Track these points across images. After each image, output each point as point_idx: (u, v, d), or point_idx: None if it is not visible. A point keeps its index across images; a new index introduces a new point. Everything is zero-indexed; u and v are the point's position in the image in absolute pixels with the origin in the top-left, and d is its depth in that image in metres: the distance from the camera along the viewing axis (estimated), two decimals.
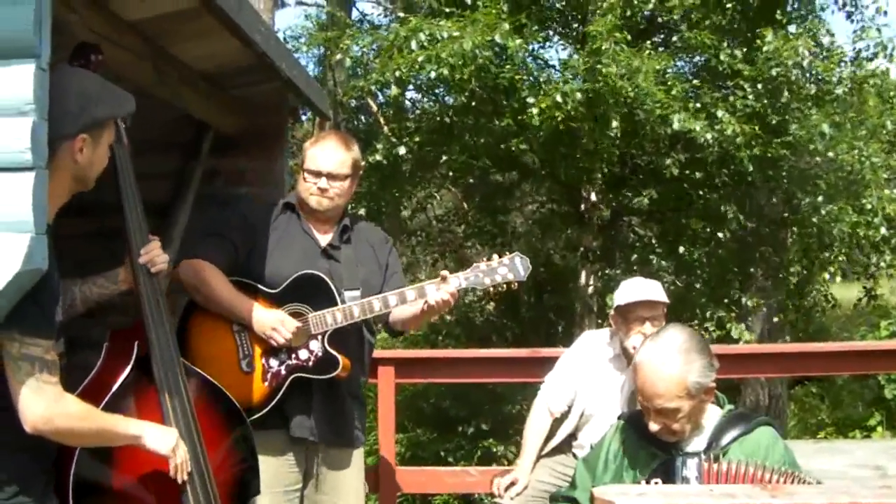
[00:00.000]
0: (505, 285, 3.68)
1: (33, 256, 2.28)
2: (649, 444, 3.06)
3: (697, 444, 3.03)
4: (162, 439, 2.82)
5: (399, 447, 6.76)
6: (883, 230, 8.96)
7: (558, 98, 7.33)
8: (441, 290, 3.57)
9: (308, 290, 3.57)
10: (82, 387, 2.78)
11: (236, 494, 3.21)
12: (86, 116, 2.58)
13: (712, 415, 3.09)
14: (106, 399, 2.80)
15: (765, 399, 12.26)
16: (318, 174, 3.65)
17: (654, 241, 9.25)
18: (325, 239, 3.73)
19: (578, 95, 7.37)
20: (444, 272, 3.64)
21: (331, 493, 3.75)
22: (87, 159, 2.59)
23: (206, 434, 3.04)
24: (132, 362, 2.94)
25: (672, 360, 2.94)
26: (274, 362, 3.54)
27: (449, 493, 8.01)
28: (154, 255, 3.03)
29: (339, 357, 3.54)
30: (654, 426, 3.00)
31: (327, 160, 3.66)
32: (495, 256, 3.68)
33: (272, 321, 3.50)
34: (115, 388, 2.85)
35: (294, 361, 3.55)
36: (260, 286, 3.57)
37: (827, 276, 9.35)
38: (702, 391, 2.96)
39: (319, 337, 3.54)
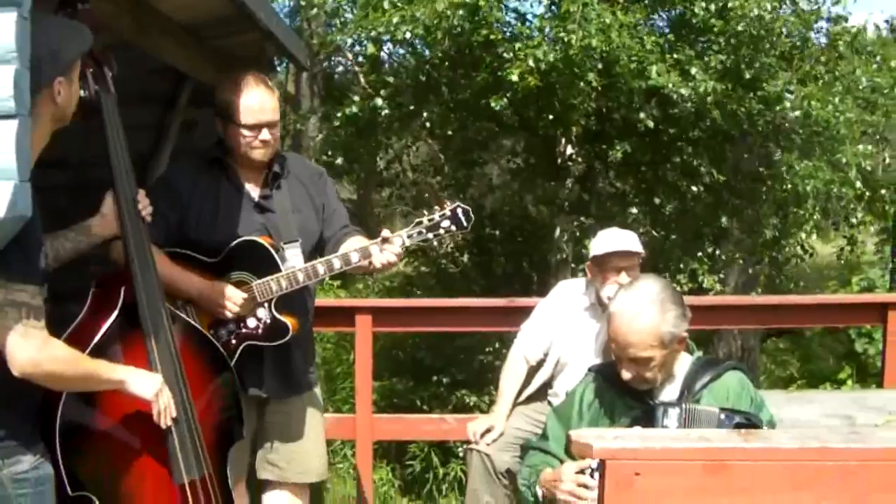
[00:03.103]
0: (449, 237, 3.77)
1: (17, 203, 2.31)
2: (624, 395, 3.16)
3: (670, 391, 3.13)
4: (146, 384, 2.88)
5: (375, 395, 6.83)
6: (858, 184, 9.06)
7: (531, 63, 7.36)
8: (385, 250, 3.57)
9: (249, 258, 3.53)
10: (68, 332, 2.81)
11: (220, 439, 3.27)
12: (60, 60, 2.63)
13: (683, 363, 3.19)
14: (92, 344, 2.86)
15: (737, 351, 12.41)
16: (258, 127, 3.53)
17: (629, 194, 9.32)
18: (256, 191, 3.67)
19: (551, 57, 7.38)
20: (386, 232, 3.62)
21: (285, 439, 3.83)
22: (65, 99, 2.64)
23: (190, 379, 3.11)
24: (118, 308, 2.97)
25: (646, 310, 3.02)
26: (223, 332, 3.52)
27: (425, 440, 8.09)
28: (145, 203, 3.09)
29: (288, 322, 3.55)
30: (626, 374, 3.09)
31: (266, 111, 3.54)
32: (436, 209, 3.70)
33: (218, 295, 3.47)
34: (100, 333, 2.90)
35: (244, 331, 3.55)
36: (198, 256, 3.53)
37: (803, 234, 9.44)
38: (674, 341, 3.05)
39: (266, 304, 3.51)
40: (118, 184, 3.03)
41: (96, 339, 2.88)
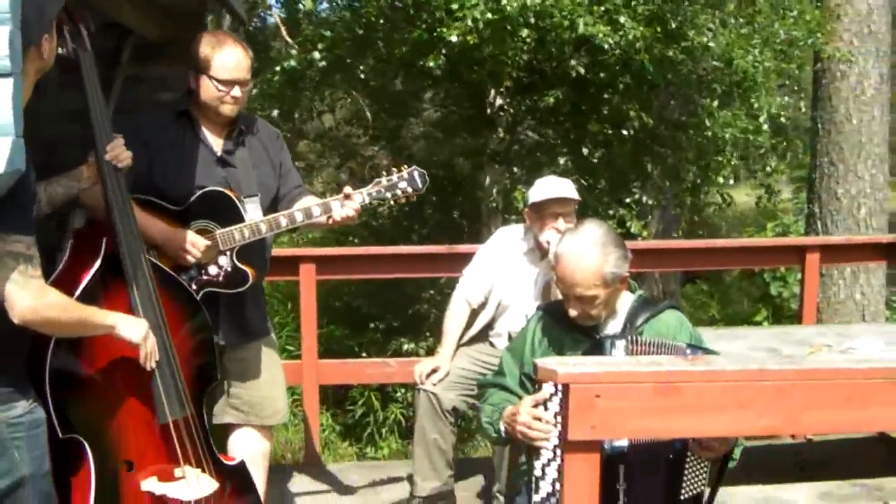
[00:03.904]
0: (405, 197, 3.90)
1: (14, 159, 2.42)
2: (572, 330, 3.31)
3: (613, 326, 3.31)
4: (134, 329, 3.01)
5: None
6: (767, 129, 9.36)
7: (469, 23, 7.47)
8: (346, 206, 3.77)
9: (213, 207, 3.66)
10: (50, 281, 2.83)
11: (199, 380, 3.41)
12: (44, 19, 2.72)
13: (625, 300, 3.36)
14: (76, 293, 2.94)
15: (659, 294, 12.70)
16: (231, 83, 3.68)
17: (557, 143, 9.48)
18: (219, 144, 3.80)
19: (489, 16, 7.50)
20: (348, 189, 3.82)
21: (246, 384, 3.98)
22: (49, 53, 2.75)
23: (169, 323, 3.22)
24: (101, 258, 3.07)
25: (589, 252, 3.18)
26: (184, 278, 3.61)
27: (369, 384, 8.25)
28: (118, 151, 3.18)
29: (248, 270, 3.71)
30: (573, 312, 3.25)
31: (239, 69, 3.70)
32: (394, 171, 3.88)
33: (181, 241, 3.58)
34: (84, 282, 3.02)
35: (204, 277, 3.68)
36: (163, 203, 3.62)
37: (721, 179, 9.71)
38: (617, 280, 3.22)
39: (228, 252, 3.66)
40: (98, 138, 3.13)
41: (81, 287, 2.98)
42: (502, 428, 3.24)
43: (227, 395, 3.98)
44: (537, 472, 3.04)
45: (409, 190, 3.86)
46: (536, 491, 3.04)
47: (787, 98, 10.29)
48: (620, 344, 3.16)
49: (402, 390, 8.91)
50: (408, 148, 11.40)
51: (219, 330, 3.78)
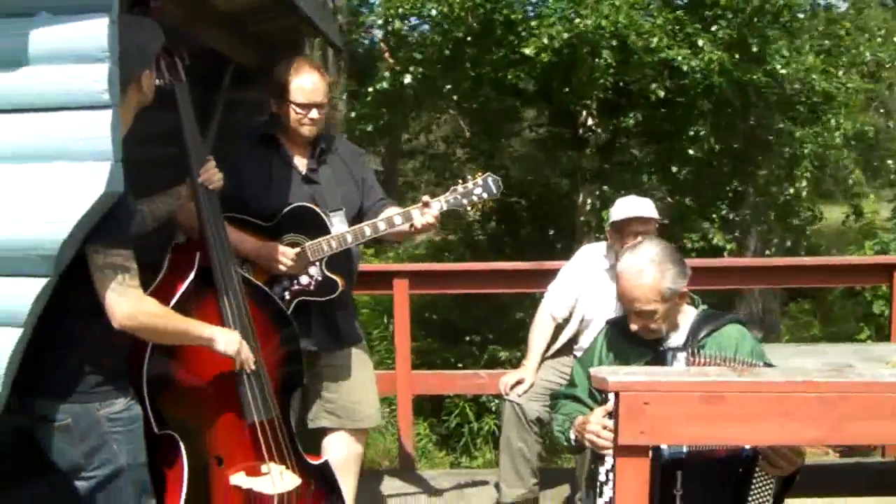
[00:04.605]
0: (481, 203, 4.00)
1: (113, 180, 2.67)
2: (637, 344, 3.41)
3: (676, 339, 3.39)
4: (229, 342, 3.22)
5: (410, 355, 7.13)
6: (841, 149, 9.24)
7: (545, 40, 7.58)
8: (426, 214, 3.88)
9: (301, 222, 3.86)
10: (149, 292, 3.02)
11: (284, 385, 3.60)
12: (146, 56, 2.98)
13: (689, 315, 3.44)
14: (172, 303, 3.13)
15: (759, 312, 12.58)
16: (309, 106, 3.88)
17: (646, 162, 9.52)
18: (303, 163, 3.99)
19: (565, 36, 7.62)
20: (426, 197, 3.91)
21: (339, 389, 4.16)
22: (149, 87, 3.01)
23: (258, 332, 3.40)
24: (194, 271, 3.26)
25: (647, 269, 3.29)
26: (278, 289, 3.85)
27: (460, 394, 8.37)
28: (211, 173, 3.40)
29: (337, 279, 3.89)
30: (633, 326, 3.37)
31: (316, 92, 3.89)
32: (469, 178, 3.97)
33: (273, 253, 3.80)
34: (179, 293, 3.21)
35: (296, 287, 3.89)
36: (255, 221, 3.85)
37: (795, 190, 9.58)
38: (675, 295, 3.32)
39: (318, 263, 3.85)
40: (192, 161, 3.38)
41: (176, 297, 3.19)
42: (573, 436, 3.37)
43: (322, 399, 4.17)
44: (601, 478, 3.18)
45: (485, 196, 3.95)
46: (600, 495, 3.19)
47: (874, 116, 10.15)
48: (681, 356, 3.27)
49: (496, 401, 8.99)
50: (504, 167, 11.54)
51: (312, 337, 3.99)
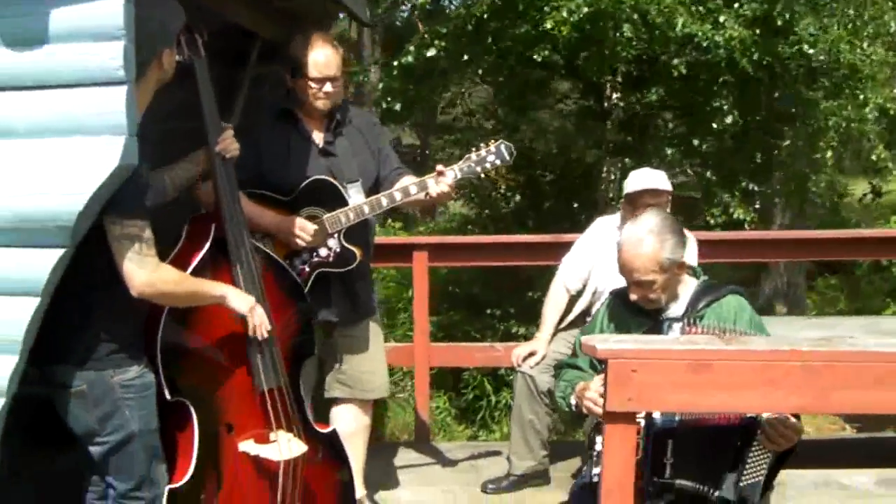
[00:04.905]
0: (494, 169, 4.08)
1: (128, 154, 2.79)
2: (637, 314, 3.50)
3: (676, 310, 3.47)
4: (242, 300, 3.31)
5: (433, 328, 7.19)
6: (873, 124, 9.17)
7: (564, 14, 7.61)
8: (440, 183, 3.96)
9: (319, 195, 3.96)
10: (167, 261, 3.15)
11: (294, 354, 3.68)
12: (167, 34, 3.08)
13: (689, 285, 3.51)
14: (188, 272, 3.23)
15: (783, 287, 12.55)
16: (323, 80, 3.97)
17: (670, 135, 9.52)
18: (320, 137, 4.09)
19: (585, 10, 7.64)
20: (440, 166, 4.02)
21: (353, 360, 4.28)
22: (169, 65, 3.11)
23: (271, 303, 3.48)
24: (210, 240, 3.36)
25: (647, 239, 3.37)
26: (297, 262, 3.97)
27: (477, 367, 8.45)
28: (228, 142, 3.49)
29: (355, 250, 3.99)
30: (633, 296, 3.45)
31: (329, 66, 3.98)
32: (482, 146, 4.04)
33: (291, 226, 3.90)
34: (195, 262, 3.30)
35: (315, 259, 4.00)
36: (274, 195, 3.95)
37: (823, 158, 9.50)
38: (674, 266, 3.39)
39: (336, 235, 3.95)
40: (211, 136, 3.48)
41: (192, 266, 3.28)
42: (573, 402, 3.47)
43: (335, 370, 4.29)
44: (598, 447, 3.26)
45: (498, 162, 4.02)
46: (597, 464, 3.25)
47: None
48: (677, 326, 3.36)
49: (513, 375, 9.01)
50: (529, 140, 11.58)
51: (333, 307, 4.12)
